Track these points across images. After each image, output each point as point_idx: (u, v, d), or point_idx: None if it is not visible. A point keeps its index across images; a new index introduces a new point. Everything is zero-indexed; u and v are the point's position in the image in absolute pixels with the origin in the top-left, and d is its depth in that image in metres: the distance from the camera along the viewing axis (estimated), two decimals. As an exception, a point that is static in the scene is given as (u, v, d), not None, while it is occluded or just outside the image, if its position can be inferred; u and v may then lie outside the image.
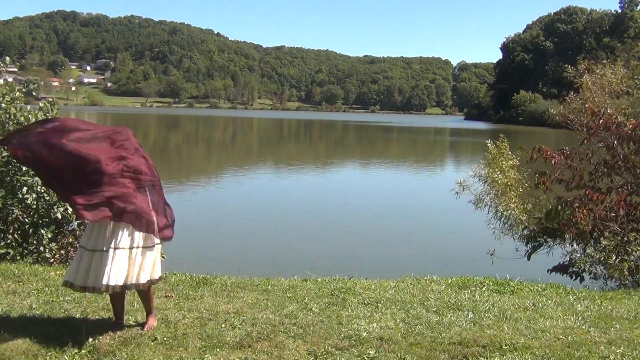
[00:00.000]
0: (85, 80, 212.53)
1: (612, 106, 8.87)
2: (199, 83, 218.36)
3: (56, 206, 6.81)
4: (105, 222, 3.75)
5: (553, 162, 7.28)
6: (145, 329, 4.00)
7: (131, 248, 3.80)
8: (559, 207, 7.36)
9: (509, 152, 8.97)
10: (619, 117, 7.86)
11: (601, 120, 7.34)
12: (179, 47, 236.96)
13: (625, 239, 7.21)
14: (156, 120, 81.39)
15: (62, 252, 7.03)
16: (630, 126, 7.16)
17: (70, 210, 6.87)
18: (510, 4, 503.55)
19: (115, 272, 3.71)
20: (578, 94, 9.80)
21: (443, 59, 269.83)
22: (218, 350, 3.75)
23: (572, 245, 7.87)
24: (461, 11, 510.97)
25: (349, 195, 20.91)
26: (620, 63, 9.85)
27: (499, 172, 8.77)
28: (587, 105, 7.84)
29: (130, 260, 3.79)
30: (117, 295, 4.02)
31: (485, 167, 9.01)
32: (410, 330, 4.19)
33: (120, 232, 3.77)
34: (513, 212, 8.56)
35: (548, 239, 8.11)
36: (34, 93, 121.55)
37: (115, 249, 3.74)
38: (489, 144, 9.04)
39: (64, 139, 3.71)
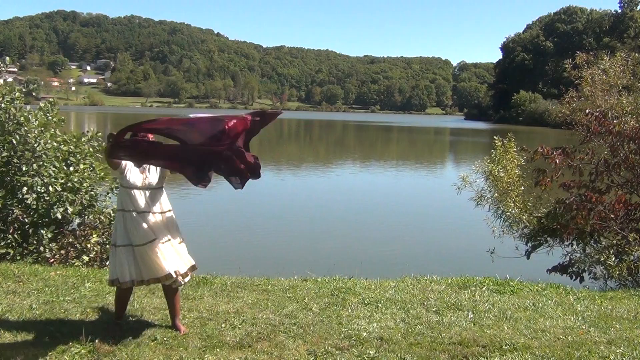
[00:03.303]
0: (85, 80, 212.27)
1: (615, 105, 8.81)
2: (199, 83, 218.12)
3: (56, 206, 6.81)
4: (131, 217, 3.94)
5: (554, 163, 7.26)
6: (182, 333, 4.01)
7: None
8: (558, 209, 7.36)
9: (515, 152, 8.93)
10: (622, 118, 7.83)
11: (602, 121, 7.33)
12: (179, 47, 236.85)
13: (625, 239, 7.20)
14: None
15: (62, 252, 7.03)
16: (632, 126, 7.17)
17: (70, 210, 6.88)
18: (510, 4, 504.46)
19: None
20: (578, 91, 9.73)
21: (443, 59, 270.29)
22: (218, 350, 3.75)
23: (572, 245, 7.86)
24: (461, 11, 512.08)
25: (349, 195, 20.89)
26: (621, 55, 9.76)
27: (502, 170, 8.73)
28: (587, 110, 7.79)
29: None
30: (125, 294, 4.03)
31: (489, 163, 8.96)
32: (410, 330, 4.19)
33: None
34: (514, 210, 8.53)
35: (548, 238, 8.10)
36: (34, 93, 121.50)
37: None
38: (497, 141, 9.00)
39: None
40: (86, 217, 7.33)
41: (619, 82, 9.28)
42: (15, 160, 6.83)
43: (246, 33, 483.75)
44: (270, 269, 7.29)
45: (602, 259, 7.22)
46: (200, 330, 4.05)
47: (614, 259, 7.06)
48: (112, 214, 7.36)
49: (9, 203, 6.73)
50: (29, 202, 6.65)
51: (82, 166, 7.24)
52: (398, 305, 4.83)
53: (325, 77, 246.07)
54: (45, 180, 6.78)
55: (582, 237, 7.49)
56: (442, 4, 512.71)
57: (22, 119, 6.88)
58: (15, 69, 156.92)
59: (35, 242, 6.79)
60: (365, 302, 4.91)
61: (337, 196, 20.56)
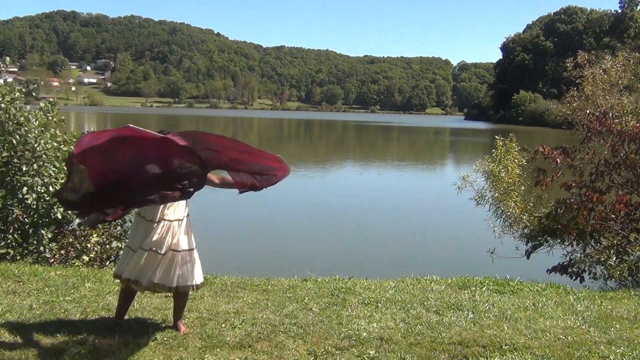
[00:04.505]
0: (85, 80, 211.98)
1: (616, 105, 8.81)
2: (199, 83, 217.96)
3: (56, 206, 6.81)
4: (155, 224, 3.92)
5: (555, 162, 7.26)
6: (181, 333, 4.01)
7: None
8: (559, 209, 7.36)
9: (516, 152, 8.91)
10: (623, 118, 7.83)
11: (603, 121, 7.33)
12: (179, 47, 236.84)
13: (626, 239, 7.20)
14: (156, 120, 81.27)
15: (62, 252, 7.03)
16: (633, 126, 7.17)
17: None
18: (510, 4, 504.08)
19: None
20: (579, 91, 9.72)
21: (443, 59, 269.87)
22: (218, 350, 3.75)
23: (572, 245, 7.86)
24: (461, 11, 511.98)
25: (349, 195, 20.91)
26: (623, 54, 9.75)
27: (503, 170, 8.71)
28: (588, 110, 7.79)
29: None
30: (130, 295, 4.03)
31: (490, 163, 8.94)
32: (410, 330, 4.19)
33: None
34: (514, 210, 8.53)
35: (548, 238, 8.10)
36: (33, 93, 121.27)
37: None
38: (498, 141, 8.98)
39: None
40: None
41: (620, 81, 9.28)
42: (15, 160, 6.83)
43: (246, 33, 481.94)
44: (270, 269, 7.29)
45: (602, 259, 7.22)
46: (200, 330, 4.05)
47: (614, 259, 7.06)
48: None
49: (9, 203, 6.73)
50: (29, 202, 6.65)
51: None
52: (398, 305, 4.83)
53: (325, 77, 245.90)
54: (46, 180, 6.79)
55: (583, 237, 7.49)
56: (442, 4, 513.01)
57: (22, 119, 6.88)
58: (15, 69, 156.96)
59: (35, 242, 6.79)
60: (365, 302, 4.91)
61: (337, 196, 20.57)
